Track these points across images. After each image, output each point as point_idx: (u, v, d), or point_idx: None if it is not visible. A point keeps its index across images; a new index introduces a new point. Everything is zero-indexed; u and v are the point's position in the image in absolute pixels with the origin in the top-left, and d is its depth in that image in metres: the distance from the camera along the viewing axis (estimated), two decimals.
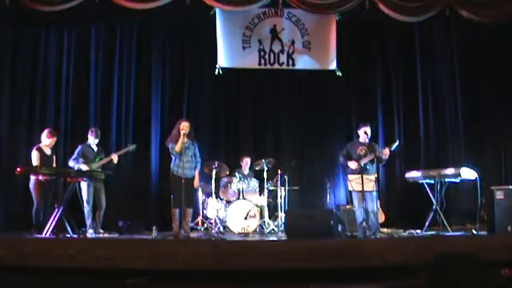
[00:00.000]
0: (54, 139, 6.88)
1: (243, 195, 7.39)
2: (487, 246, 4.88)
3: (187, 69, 8.55)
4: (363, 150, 6.85)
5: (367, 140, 6.95)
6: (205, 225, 7.40)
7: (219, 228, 7.14)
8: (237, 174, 7.73)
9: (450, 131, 8.63)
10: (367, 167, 6.74)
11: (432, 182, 6.80)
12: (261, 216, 7.26)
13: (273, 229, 7.26)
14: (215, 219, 7.21)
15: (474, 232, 6.51)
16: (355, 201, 6.76)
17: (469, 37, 8.43)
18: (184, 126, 6.47)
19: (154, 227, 6.54)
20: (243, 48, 8.36)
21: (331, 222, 5.79)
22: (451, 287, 1.82)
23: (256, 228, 7.10)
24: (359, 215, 6.68)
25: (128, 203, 7.77)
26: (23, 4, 7.12)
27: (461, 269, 1.83)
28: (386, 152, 6.76)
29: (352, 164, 6.78)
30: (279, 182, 7.49)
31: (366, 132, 6.94)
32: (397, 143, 6.97)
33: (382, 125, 8.63)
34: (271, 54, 8.39)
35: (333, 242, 5.36)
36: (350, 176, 6.59)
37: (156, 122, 8.33)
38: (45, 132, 6.84)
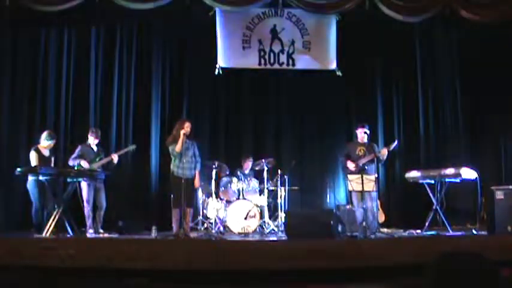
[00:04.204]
0: (53, 141, 6.87)
1: (243, 195, 7.39)
2: (487, 246, 4.89)
3: (187, 69, 8.54)
4: (362, 151, 6.86)
5: (365, 140, 6.96)
6: (205, 225, 7.39)
7: (219, 228, 7.14)
8: (239, 173, 7.73)
9: (450, 131, 8.64)
10: (366, 167, 6.74)
11: (432, 182, 6.80)
12: (261, 216, 7.25)
13: (273, 229, 7.26)
14: (215, 219, 7.21)
15: (474, 232, 6.51)
16: (355, 201, 6.78)
17: (469, 37, 8.43)
18: (187, 126, 6.48)
19: (154, 227, 6.54)
20: (243, 48, 8.36)
21: (331, 222, 5.79)
22: (456, 286, 1.81)
23: (256, 228, 7.09)
24: (359, 215, 6.69)
25: (128, 203, 7.76)
26: (23, 4, 7.12)
27: (466, 268, 1.83)
28: (384, 152, 6.78)
29: (351, 165, 6.79)
30: (279, 182, 7.48)
31: (365, 133, 6.95)
32: (395, 143, 6.98)
33: (382, 125, 8.63)
34: (271, 54, 8.38)
35: (333, 242, 5.36)
36: (350, 176, 6.60)
37: (156, 122, 8.32)
38: (44, 134, 6.84)
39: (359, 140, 6.99)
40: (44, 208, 6.51)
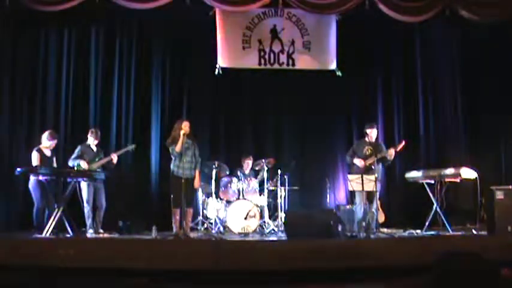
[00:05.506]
0: (55, 141, 6.87)
1: (243, 195, 7.39)
2: (487, 246, 4.88)
3: (187, 69, 8.54)
4: (369, 150, 6.85)
5: (373, 140, 6.95)
6: (205, 225, 7.40)
7: (219, 228, 7.14)
8: (239, 173, 7.73)
9: (450, 131, 8.63)
10: (373, 167, 6.73)
11: (432, 182, 6.80)
12: (261, 216, 7.26)
13: (273, 229, 7.26)
14: (215, 219, 7.21)
15: (474, 232, 6.51)
16: (357, 199, 6.78)
17: (469, 37, 8.44)
18: (186, 126, 6.49)
19: (154, 227, 6.55)
20: (243, 48, 8.36)
21: (331, 222, 5.79)
22: (456, 286, 1.81)
23: (256, 228, 7.09)
24: (358, 211, 6.70)
25: (128, 203, 7.76)
26: (23, 4, 7.12)
27: (466, 268, 1.83)
28: (391, 153, 6.76)
29: (359, 162, 6.78)
30: (279, 182, 7.49)
31: (366, 133, 6.95)
32: (403, 143, 6.96)
33: (382, 125, 8.62)
34: (271, 54, 8.38)
35: (333, 242, 5.36)
36: (350, 176, 6.61)
37: (156, 122, 8.33)
38: (45, 134, 6.83)
39: (367, 139, 6.96)
40: (46, 208, 6.50)
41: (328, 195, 7.78)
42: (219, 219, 7.24)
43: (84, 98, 8.19)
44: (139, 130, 8.30)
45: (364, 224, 6.60)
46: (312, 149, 8.67)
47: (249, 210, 7.09)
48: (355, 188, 6.55)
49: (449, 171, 6.68)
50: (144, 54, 8.46)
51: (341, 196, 8.46)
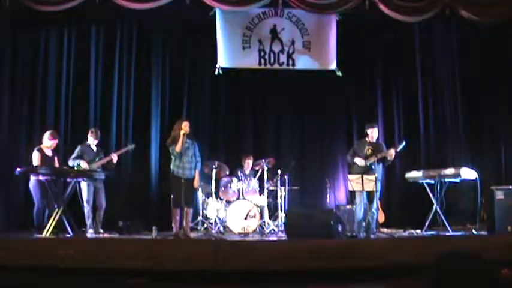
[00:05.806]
0: (56, 141, 6.88)
1: (243, 195, 7.39)
2: (487, 246, 4.89)
3: (187, 69, 8.55)
4: (370, 150, 6.85)
5: (373, 140, 6.94)
6: (205, 225, 7.40)
7: (219, 228, 7.14)
8: (239, 173, 7.73)
9: (450, 131, 8.63)
10: (373, 167, 6.72)
11: (432, 182, 6.80)
12: (261, 216, 7.25)
13: (273, 229, 7.26)
14: (215, 219, 7.21)
15: (474, 232, 6.51)
16: (357, 199, 6.78)
17: (469, 37, 8.43)
18: (185, 126, 6.48)
19: (154, 227, 6.55)
20: (243, 48, 8.35)
21: (331, 222, 5.79)
22: (456, 286, 1.81)
23: (256, 228, 7.09)
24: (358, 211, 6.70)
25: (128, 203, 7.76)
26: (23, 4, 7.12)
27: (466, 268, 1.83)
28: (392, 153, 6.75)
29: (359, 161, 6.77)
30: (279, 182, 7.49)
31: (367, 133, 6.94)
32: (403, 143, 6.94)
33: (382, 125, 8.62)
34: (271, 54, 8.38)
35: (333, 242, 5.37)
36: (350, 176, 6.61)
37: (156, 122, 8.33)
38: (46, 134, 6.84)
39: (368, 139, 6.95)
40: (46, 208, 6.50)
41: (328, 195, 7.78)
42: (219, 219, 7.24)
43: (84, 98, 8.19)
44: (139, 130, 8.30)
45: (364, 224, 6.60)
46: (312, 149, 8.68)
47: (249, 210, 7.09)
48: (355, 188, 6.54)
49: (449, 171, 6.68)
50: (144, 54, 8.46)
51: (341, 196, 8.46)
